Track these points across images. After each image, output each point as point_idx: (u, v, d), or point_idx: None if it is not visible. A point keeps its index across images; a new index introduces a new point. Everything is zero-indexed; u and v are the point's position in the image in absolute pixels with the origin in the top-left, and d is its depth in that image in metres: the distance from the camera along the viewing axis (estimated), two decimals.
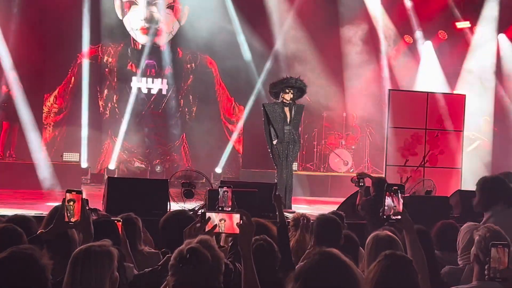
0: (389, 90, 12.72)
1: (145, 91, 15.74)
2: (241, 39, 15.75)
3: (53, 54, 14.79)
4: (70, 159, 14.16)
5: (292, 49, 15.70)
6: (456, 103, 12.51)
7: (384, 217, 3.53)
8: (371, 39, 16.28)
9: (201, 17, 15.26)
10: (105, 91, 15.69)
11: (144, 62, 15.50)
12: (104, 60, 15.51)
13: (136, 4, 15.30)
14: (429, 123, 12.19)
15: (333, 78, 15.77)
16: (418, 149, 12.16)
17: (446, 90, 16.45)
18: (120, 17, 15.43)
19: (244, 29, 15.80)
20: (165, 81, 15.78)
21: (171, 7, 15.71)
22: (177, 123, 16.05)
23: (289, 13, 15.74)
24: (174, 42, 15.91)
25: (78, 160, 14.30)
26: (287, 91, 10.54)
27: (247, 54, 15.80)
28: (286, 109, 10.59)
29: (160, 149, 16.01)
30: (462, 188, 10.82)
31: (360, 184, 8.06)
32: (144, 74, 15.65)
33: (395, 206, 3.51)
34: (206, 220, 3.36)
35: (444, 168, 12.15)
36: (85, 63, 15.16)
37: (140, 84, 15.68)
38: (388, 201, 3.51)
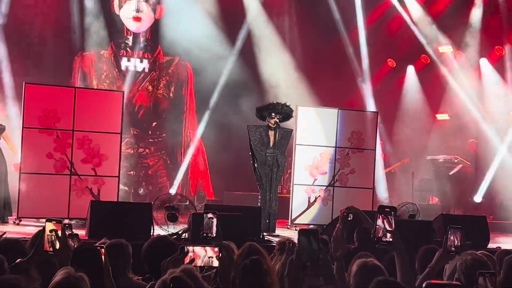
0: (296, 106, 11.50)
1: (133, 68, 16.07)
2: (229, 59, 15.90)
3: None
4: None
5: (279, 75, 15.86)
6: (369, 121, 12.04)
7: (375, 239, 3.51)
8: (357, 61, 16.51)
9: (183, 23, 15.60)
10: None
11: (137, 45, 16.17)
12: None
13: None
14: (340, 141, 11.65)
15: (318, 100, 15.82)
16: (328, 167, 11.63)
17: (430, 113, 16.56)
18: (118, 13, 15.96)
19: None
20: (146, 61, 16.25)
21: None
22: (160, 141, 16.02)
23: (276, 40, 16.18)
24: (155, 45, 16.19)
25: None
26: (273, 116, 10.61)
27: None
28: (271, 133, 10.66)
29: (143, 170, 15.94)
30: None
31: (349, 219, 7.63)
32: (133, 55, 16.16)
33: (386, 228, 3.49)
34: (185, 253, 3.39)
35: (354, 188, 11.59)
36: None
37: (129, 63, 16.06)
38: (379, 223, 3.49)
